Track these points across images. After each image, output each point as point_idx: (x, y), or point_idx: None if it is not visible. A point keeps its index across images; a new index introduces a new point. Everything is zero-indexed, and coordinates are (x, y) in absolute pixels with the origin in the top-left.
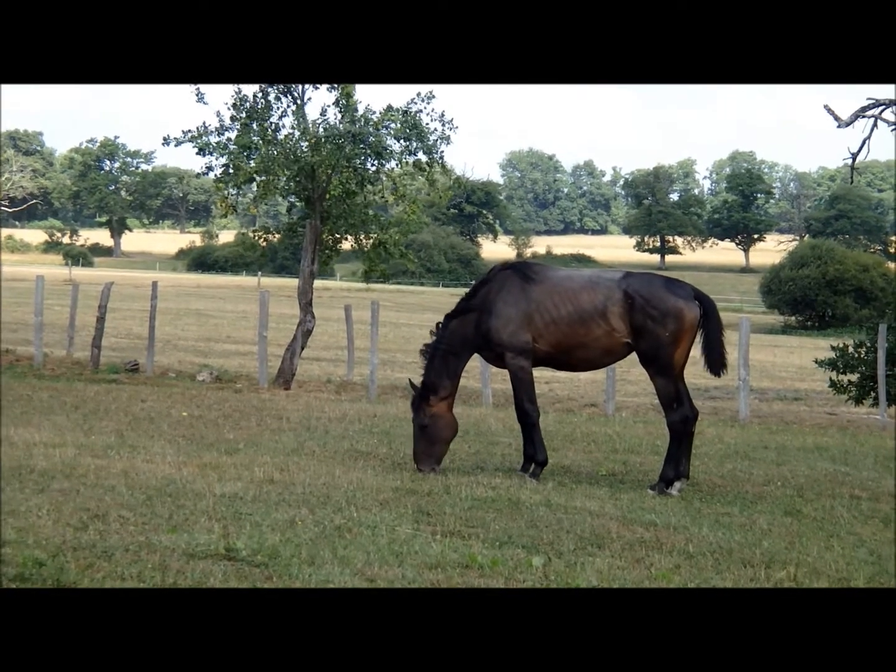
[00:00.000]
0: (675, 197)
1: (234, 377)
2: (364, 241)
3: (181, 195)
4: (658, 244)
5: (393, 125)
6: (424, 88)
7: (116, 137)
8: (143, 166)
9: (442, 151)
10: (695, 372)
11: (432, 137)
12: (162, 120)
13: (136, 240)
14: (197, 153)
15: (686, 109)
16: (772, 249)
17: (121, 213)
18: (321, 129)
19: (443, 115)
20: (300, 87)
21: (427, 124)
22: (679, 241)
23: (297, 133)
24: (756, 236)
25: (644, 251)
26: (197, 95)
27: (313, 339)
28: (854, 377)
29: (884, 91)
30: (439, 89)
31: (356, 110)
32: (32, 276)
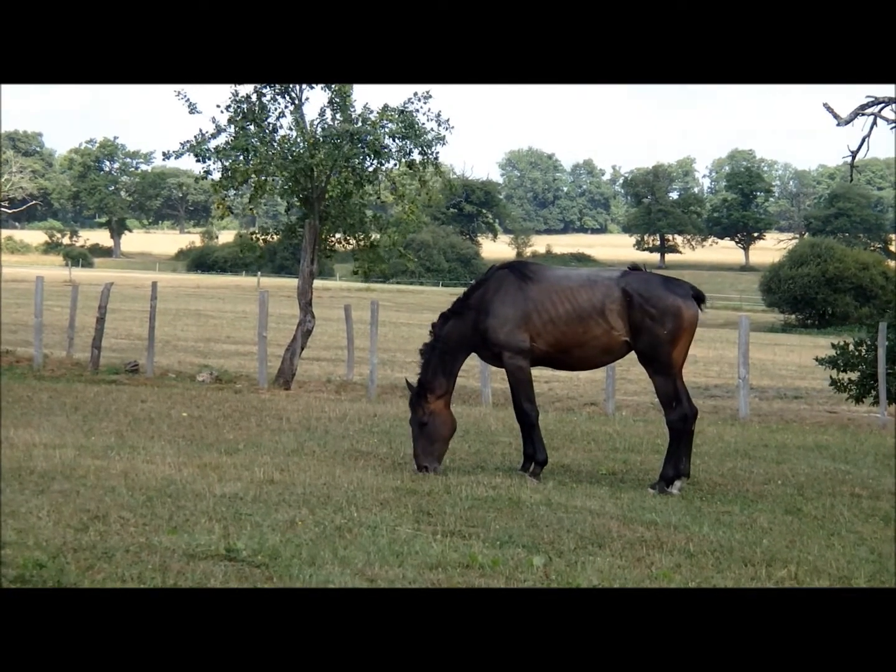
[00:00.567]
0: (674, 195)
1: (234, 377)
2: (362, 241)
3: (181, 196)
4: (658, 243)
5: (390, 125)
6: (421, 88)
7: (116, 138)
8: (143, 167)
9: (437, 151)
10: (695, 371)
11: (428, 137)
12: (161, 120)
13: (136, 240)
14: (196, 160)
15: (685, 108)
16: (771, 248)
17: (120, 213)
18: (319, 130)
19: (439, 115)
20: (297, 87)
21: (423, 124)
22: (679, 239)
23: (294, 133)
24: (756, 235)
25: (644, 250)
26: (189, 106)
27: (313, 339)
28: (854, 375)
29: (883, 89)
30: (439, 88)
31: (353, 109)
32: (32, 277)
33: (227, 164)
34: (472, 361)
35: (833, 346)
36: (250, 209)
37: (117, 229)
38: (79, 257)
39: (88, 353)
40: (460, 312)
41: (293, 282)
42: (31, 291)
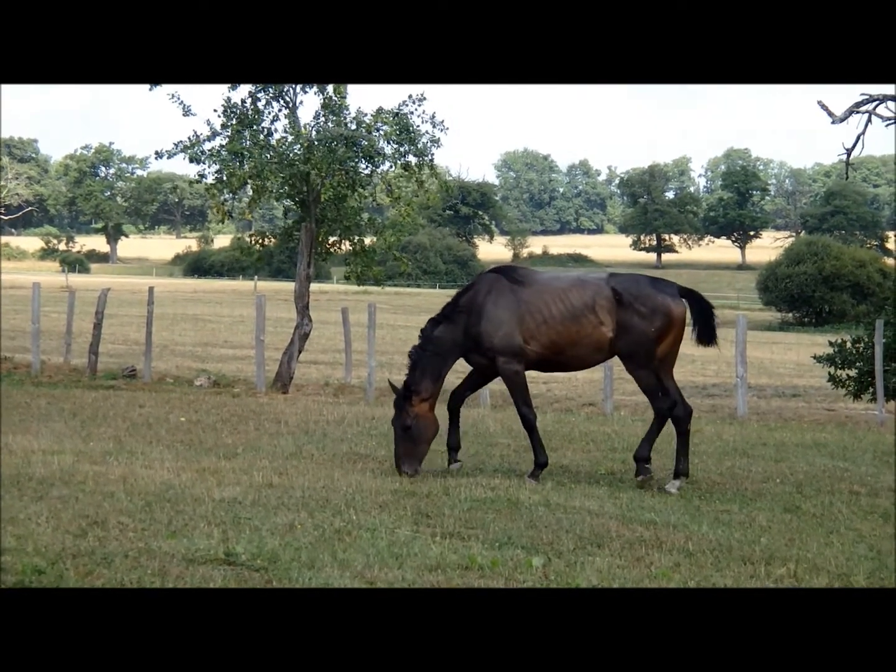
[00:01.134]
0: (670, 195)
1: (232, 382)
2: (358, 243)
3: (177, 200)
4: (654, 242)
5: (384, 127)
6: (416, 90)
7: (111, 143)
8: (139, 172)
9: (432, 153)
10: (693, 370)
11: (423, 139)
12: (157, 124)
13: (133, 245)
14: (190, 162)
15: (681, 108)
16: (768, 246)
17: (116, 219)
18: (314, 133)
19: (433, 117)
20: (292, 91)
21: (418, 126)
22: (675, 239)
23: (289, 137)
24: (752, 233)
25: (640, 250)
26: (183, 108)
27: (311, 343)
28: (853, 373)
29: (877, 86)
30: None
31: (348, 112)
32: (29, 283)
33: (221, 167)
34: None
35: (831, 343)
36: (248, 214)
37: (113, 235)
38: (75, 263)
39: (86, 358)
40: (451, 317)
41: (290, 285)
42: (28, 298)
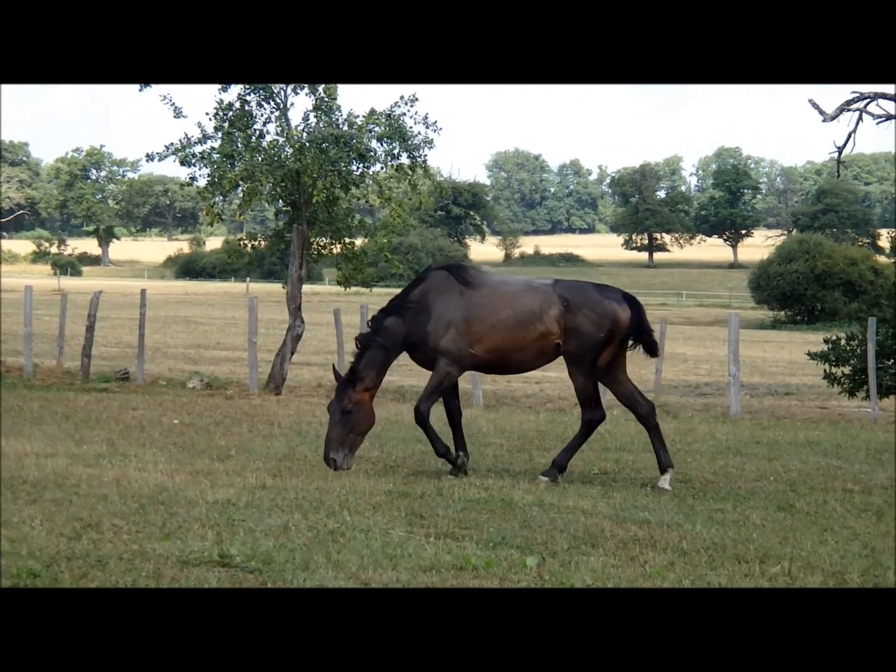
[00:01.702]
0: (662, 194)
1: (225, 384)
2: (350, 245)
3: (168, 203)
4: (646, 242)
5: (377, 128)
6: (408, 91)
7: (102, 146)
8: (130, 175)
9: (425, 155)
10: (685, 369)
11: (415, 140)
12: (148, 126)
13: (124, 248)
14: (180, 165)
15: (672, 107)
16: (760, 245)
17: (108, 221)
18: (305, 134)
19: (426, 118)
20: (283, 93)
21: (410, 127)
22: (667, 238)
23: (280, 139)
24: (744, 232)
25: (632, 249)
26: (174, 110)
27: (303, 344)
28: (847, 370)
29: (868, 84)
30: (425, 91)
31: (339, 113)
32: (21, 286)
33: (212, 170)
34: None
35: (825, 340)
36: (239, 216)
37: (105, 237)
38: (67, 266)
39: (78, 361)
40: (400, 311)
41: (282, 287)
42: (20, 301)
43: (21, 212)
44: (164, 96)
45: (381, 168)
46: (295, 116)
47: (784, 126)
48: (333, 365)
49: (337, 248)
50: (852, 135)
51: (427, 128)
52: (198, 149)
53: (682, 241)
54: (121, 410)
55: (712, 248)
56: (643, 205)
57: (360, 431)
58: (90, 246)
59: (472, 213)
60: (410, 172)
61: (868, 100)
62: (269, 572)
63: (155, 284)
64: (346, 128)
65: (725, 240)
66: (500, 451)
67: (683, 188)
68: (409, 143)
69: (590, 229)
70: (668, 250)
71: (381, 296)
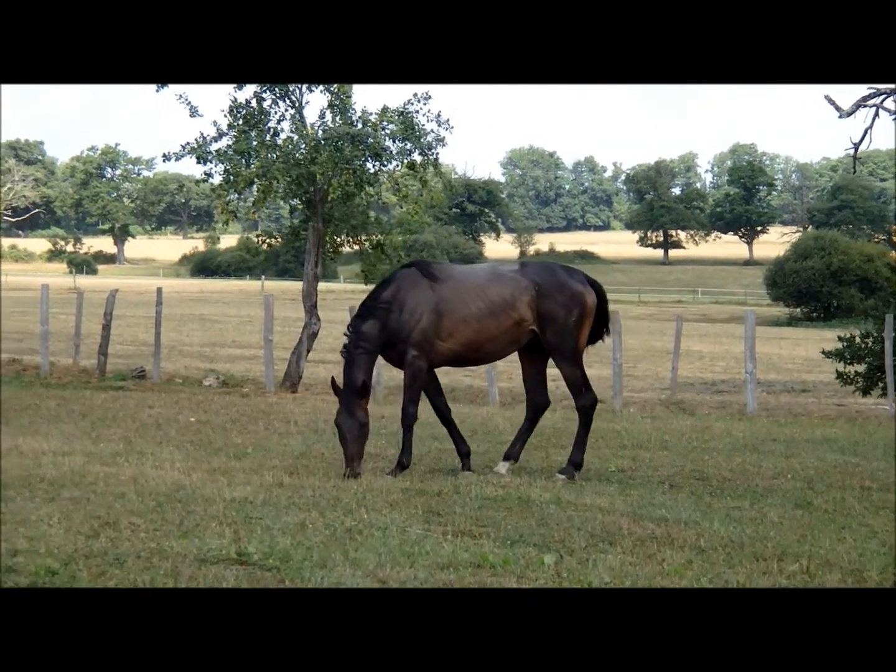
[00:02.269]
0: (677, 191)
1: (241, 381)
2: (365, 242)
3: (183, 201)
4: (661, 239)
5: (390, 126)
6: (421, 89)
7: (117, 145)
8: (145, 173)
9: (437, 152)
10: (701, 366)
11: (428, 138)
12: (161, 124)
13: (139, 246)
14: (197, 162)
15: (687, 103)
16: (775, 241)
17: (123, 220)
18: (320, 132)
19: (439, 116)
20: (298, 91)
21: (423, 125)
22: (682, 235)
23: (295, 137)
24: (759, 229)
25: (647, 246)
26: (190, 109)
27: (319, 342)
28: (861, 367)
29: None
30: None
31: (354, 111)
32: (37, 285)
33: (228, 167)
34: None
35: (840, 338)
36: (254, 214)
37: (120, 236)
38: (82, 264)
39: (95, 359)
40: (374, 312)
41: (297, 285)
42: (36, 300)
43: (37, 210)
44: (180, 95)
45: (397, 166)
46: (310, 114)
47: (799, 122)
48: (332, 378)
49: (353, 246)
50: (868, 131)
51: (439, 125)
52: (213, 146)
53: (697, 238)
54: (137, 408)
55: (727, 245)
56: (658, 202)
57: (366, 440)
58: (105, 244)
59: (486, 210)
60: (422, 170)
61: (885, 96)
62: (287, 570)
63: (170, 282)
64: (360, 125)
65: (741, 236)
66: None
67: (699, 185)
68: (422, 140)
69: (605, 226)
70: (684, 247)
71: None
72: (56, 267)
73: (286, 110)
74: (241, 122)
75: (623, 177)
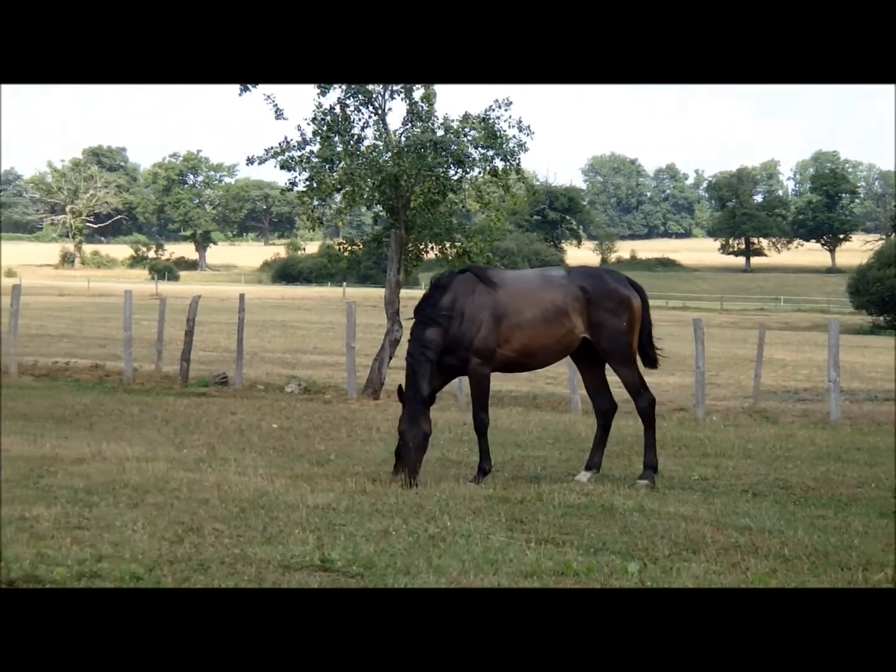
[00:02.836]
0: (758, 199)
1: (323, 388)
2: (448, 249)
3: (265, 208)
4: (743, 246)
5: (472, 132)
6: (502, 94)
7: (199, 151)
8: (227, 179)
9: (519, 158)
10: (784, 375)
11: (510, 144)
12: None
13: (221, 253)
14: (280, 169)
15: (769, 110)
16: (858, 249)
17: (205, 226)
18: (403, 139)
19: (520, 122)
20: (381, 97)
21: (505, 131)
22: (764, 242)
23: (379, 144)
24: (841, 236)
25: (729, 253)
26: (276, 112)
27: (401, 348)
28: None
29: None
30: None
31: (436, 118)
32: (119, 291)
33: (312, 174)
34: (560, 367)
35: None
36: (339, 221)
37: (202, 242)
38: (164, 271)
39: (177, 365)
40: (437, 319)
41: (378, 291)
42: (119, 306)
43: (119, 217)
44: (268, 96)
45: (479, 173)
46: (393, 121)
47: (882, 129)
48: (400, 387)
49: (436, 252)
50: None
51: (521, 131)
52: (297, 153)
53: (779, 246)
54: (220, 415)
55: (810, 253)
56: (740, 209)
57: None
58: (187, 251)
59: (567, 217)
60: (505, 176)
61: None
62: (370, 577)
63: (251, 289)
64: (441, 132)
65: (823, 244)
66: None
67: (780, 192)
68: (504, 147)
69: (686, 234)
70: (766, 255)
71: None
72: (138, 273)
73: (370, 117)
74: (325, 128)
75: (705, 184)
